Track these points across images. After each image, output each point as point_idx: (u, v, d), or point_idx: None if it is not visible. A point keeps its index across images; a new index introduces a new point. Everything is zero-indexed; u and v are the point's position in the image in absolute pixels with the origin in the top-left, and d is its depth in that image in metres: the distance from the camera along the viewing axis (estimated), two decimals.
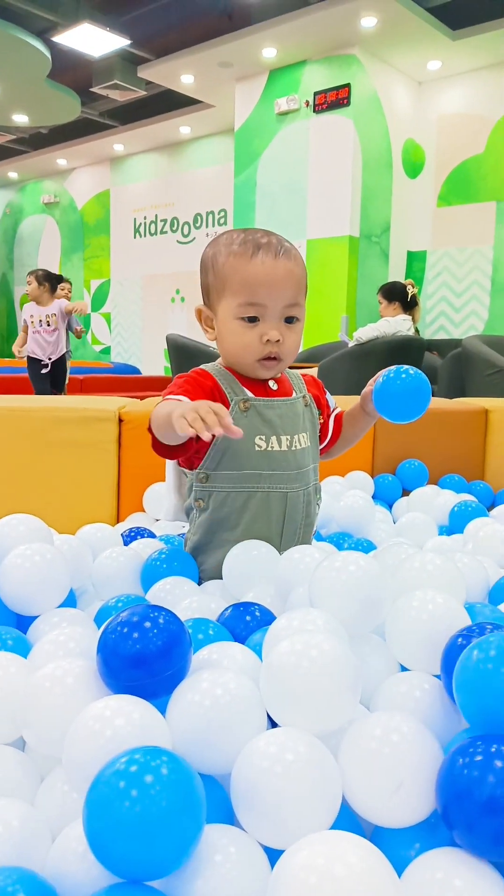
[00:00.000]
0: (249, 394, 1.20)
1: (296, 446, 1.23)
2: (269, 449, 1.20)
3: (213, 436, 1.12)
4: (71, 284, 6.13)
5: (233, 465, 1.18)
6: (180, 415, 0.97)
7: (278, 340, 1.16)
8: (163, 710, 0.75)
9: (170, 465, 1.32)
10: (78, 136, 9.64)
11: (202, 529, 1.24)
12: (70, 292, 6.01)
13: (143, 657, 0.75)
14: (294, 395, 1.26)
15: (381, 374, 1.23)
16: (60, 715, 0.73)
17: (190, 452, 1.19)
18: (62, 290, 5.70)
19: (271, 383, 1.24)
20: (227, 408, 1.17)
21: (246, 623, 0.97)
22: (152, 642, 0.75)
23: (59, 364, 5.26)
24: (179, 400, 1.12)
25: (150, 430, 1.17)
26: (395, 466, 2.15)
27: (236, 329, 1.17)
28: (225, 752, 0.70)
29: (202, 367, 1.24)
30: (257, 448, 1.19)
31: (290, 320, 1.18)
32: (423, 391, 1.19)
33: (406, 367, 1.21)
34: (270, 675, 0.73)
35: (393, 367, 1.22)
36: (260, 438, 1.19)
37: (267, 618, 0.98)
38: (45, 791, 0.74)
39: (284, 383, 1.27)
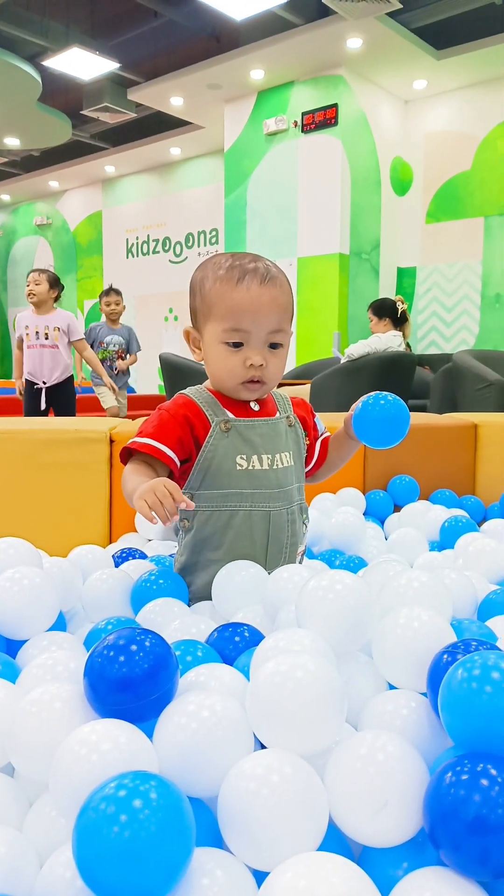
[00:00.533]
0: (230, 415, 1.22)
1: (277, 465, 1.24)
2: (251, 468, 1.21)
3: (194, 455, 1.19)
4: (120, 296, 5.21)
5: (215, 485, 1.20)
6: (140, 497, 1.04)
7: (262, 365, 1.18)
8: (151, 734, 0.75)
9: None
10: (69, 159, 9.73)
11: (188, 550, 1.25)
12: (118, 305, 5.14)
13: (130, 681, 0.75)
14: (277, 415, 1.28)
15: (360, 401, 1.26)
16: (48, 740, 0.73)
17: (175, 477, 1.21)
18: (107, 305, 5.08)
19: (253, 404, 1.26)
20: (209, 429, 1.20)
21: (234, 644, 0.97)
22: (138, 666, 0.75)
23: (63, 389, 4.37)
24: (150, 445, 1.17)
25: (123, 457, 1.21)
26: (386, 482, 2.16)
27: (221, 353, 1.19)
28: (212, 774, 0.70)
29: (186, 391, 1.26)
30: (238, 467, 1.20)
31: (274, 346, 1.20)
32: (401, 418, 1.21)
33: (384, 393, 1.23)
34: (256, 696, 0.73)
35: (372, 394, 1.24)
36: (241, 458, 1.21)
37: (256, 638, 0.99)
38: (33, 816, 0.73)
39: (268, 404, 1.29)
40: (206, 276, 1.21)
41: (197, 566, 1.24)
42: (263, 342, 1.18)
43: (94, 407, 6.32)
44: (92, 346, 4.87)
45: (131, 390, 8.51)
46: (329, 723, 0.72)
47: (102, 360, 4.96)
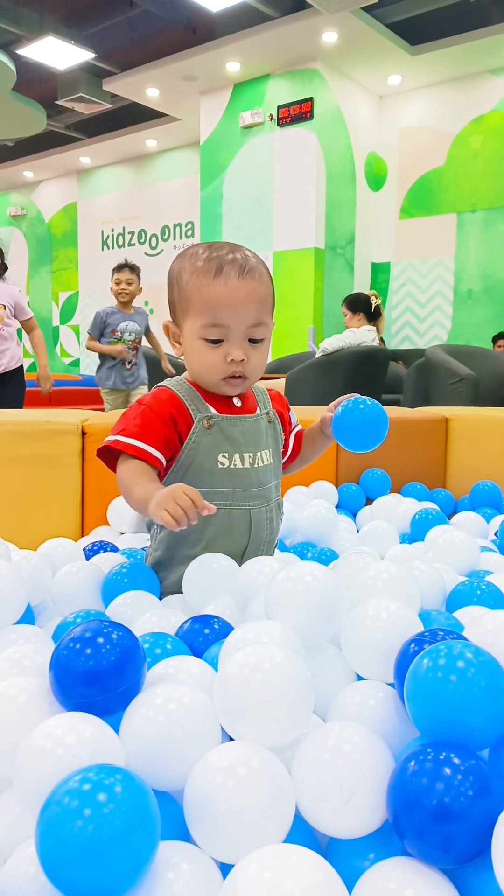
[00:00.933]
0: (213, 410, 1.20)
1: (258, 463, 1.23)
2: (232, 466, 1.20)
3: (177, 452, 1.17)
4: (136, 275, 4.38)
5: (195, 482, 1.16)
6: (159, 507, 0.99)
7: (243, 360, 1.15)
8: (117, 727, 0.74)
9: None
10: (44, 149, 9.62)
11: (164, 545, 1.24)
12: (130, 285, 4.30)
13: (96, 673, 0.74)
14: (258, 411, 1.26)
15: (339, 403, 1.24)
16: (12, 733, 0.72)
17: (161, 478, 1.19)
18: (117, 283, 4.29)
19: (235, 400, 1.23)
20: (191, 426, 1.17)
21: (204, 636, 0.97)
22: (105, 658, 0.75)
23: (13, 378, 3.61)
24: (137, 447, 1.13)
25: (101, 453, 1.18)
26: (358, 475, 2.17)
27: (200, 348, 1.16)
28: (179, 767, 0.70)
29: (165, 384, 1.23)
30: (220, 465, 1.19)
31: (254, 340, 1.16)
32: (380, 422, 1.20)
33: (363, 397, 1.22)
34: (224, 687, 0.73)
35: (351, 397, 1.23)
36: (223, 456, 1.19)
37: (225, 631, 0.98)
38: None
39: (249, 399, 1.27)
40: (183, 268, 1.17)
41: (172, 561, 1.23)
42: (243, 336, 1.15)
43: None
44: (101, 337, 4.20)
45: (90, 381, 8.46)
46: (297, 714, 0.71)
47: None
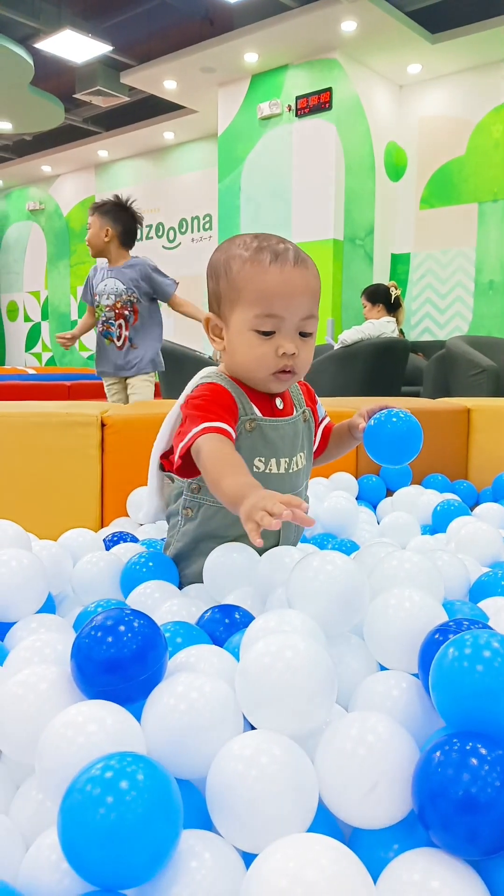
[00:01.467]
0: (257, 412, 1.16)
1: (293, 468, 1.21)
2: (267, 471, 1.17)
3: None
4: (104, 217, 3.17)
5: None
6: (250, 519, 0.88)
7: (294, 353, 1.11)
8: (139, 716, 0.74)
9: (153, 468, 1.31)
10: (62, 143, 9.64)
11: (187, 538, 1.22)
12: (90, 229, 3.19)
13: (117, 661, 0.74)
14: (295, 412, 1.23)
15: (371, 411, 1.18)
16: (34, 722, 0.72)
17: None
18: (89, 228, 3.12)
19: (278, 401, 1.20)
20: (236, 421, 1.13)
21: (225, 626, 0.96)
22: (126, 646, 0.74)
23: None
24: (224, 430, 1.06)
25: (180, 455, 1.10)
26: (378, 467, 2.15)
27: (251, 341, 1.11)
28: (201, 756, 0.69)
29: (211, 380, 1.16)
30: (255, 469, 1.15)
31: (304, 334, 1.12)
32: (414, 436, 1.13)
33: (397, 409, 1.15)
34: (245, 676, 0.72)
35: (384, 410, 1.16)
36: (259, 460, 1.16)
37: (247, 620, 0.98)
38: (19, 799, 0.73)
39: (287, 399, 1.23)
40: (232, 258, 1.12)
41: (194, 553, 1.22)
42: (295, 329, 1.11)
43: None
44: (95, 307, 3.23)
45: None
46: (319, 703, 0.71)
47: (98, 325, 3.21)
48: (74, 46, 6.56)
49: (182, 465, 1.12)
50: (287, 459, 1.19)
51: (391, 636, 0.83)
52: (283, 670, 0.70)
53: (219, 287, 1.15)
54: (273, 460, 1.17)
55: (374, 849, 0.66)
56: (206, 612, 0.99)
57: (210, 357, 4.26)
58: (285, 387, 1.18)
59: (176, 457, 1.13)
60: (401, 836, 0.66)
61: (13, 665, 0.86)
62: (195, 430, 1.07)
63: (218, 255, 1.17)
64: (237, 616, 0.98)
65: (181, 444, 1.10)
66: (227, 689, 0.74)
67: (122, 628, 0.76)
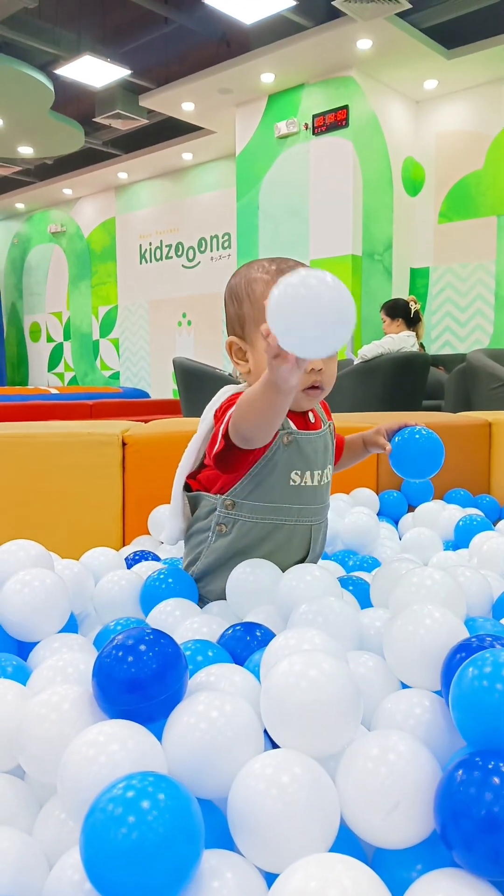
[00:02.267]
0: (293, 426, 1.19)
1: (324, 481, 1.24)
2: (302, 484, 1.20)
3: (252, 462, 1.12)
4: None
5: (263, 497, 1.17)
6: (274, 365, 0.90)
7: (321, 369, 1.14)
8: (160, 735, 0.74)
9: (177, 489, 1.31)
10: (82, 166, 9.77)
11: (216, 554, 1.23)
12: None
13: (138, 681, 0.74)
14: (323, 426, 1.26)
15: (391, 429, 1.25)
16: (56, 741, 0.73)
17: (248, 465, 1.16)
18: None
19: (310, 415, 1.23)
20: (273, 440, 1.14)
21: (246, 644, 0.97)
22: (147, 666, 0.75)
23: None
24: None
25: (226, 436, 1.10)
26: (399, 482, 2.14)
27: None
28: (222, 775, 0.69)
29: (241, 391, 1.18)
30: (291, 483, 1.18)
31: None
32: (437, 451, 1.21)
33: (419, 427, 1.23)
34: (269, 695, 0.72)
35: (407, 427, 1.24)
36: (295, 473, 1.19)
37: (268, 638, 0.98)
38: (42, 819, 0.73)
39: (315, 414, 1.26)
40: (253, 281, 1.16)
41: (223, 570, 1.22)
42: None
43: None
44: None
45: (145, 394, 8.57)
46: (344, 723, 0.71)
47: None
48: (93, 71, 6.67)
49: (224, 448, 1.11)
50: (319, 472, 1.22)
51: (412, 654, 0.82)
52: (307, 689, 0.70)
53: (242, 311, 1.18)
54: (308, 473, 1.20)
55: (396, 869, 0.65)
56: (228, 629, 0.99)
57: (230, 374, 4.28)
58: (315, 402, 1.21)
59: (218, 440, 1.12)
60: (424, 856, 0.65)
61: (36, 684, 0.86)
62: (231, 411, 1.07)
63: (238, 280, 1.20)
64: (258, 634, 0.98)
65: (222, 426, 1.11)
66: (247, 708, 0.74)
67: (142, 648, 0.76)
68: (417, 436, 1.22)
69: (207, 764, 0.70)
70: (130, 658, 0.75)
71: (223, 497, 1.20)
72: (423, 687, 0.82)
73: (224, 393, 1.23)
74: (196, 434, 1.28)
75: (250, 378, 1.21)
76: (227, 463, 1.15)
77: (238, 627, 0.99)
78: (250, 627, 0.99)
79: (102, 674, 0.76)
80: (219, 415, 1.16)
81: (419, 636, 0.82)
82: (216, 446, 1.14)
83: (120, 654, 0.76)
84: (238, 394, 1.18)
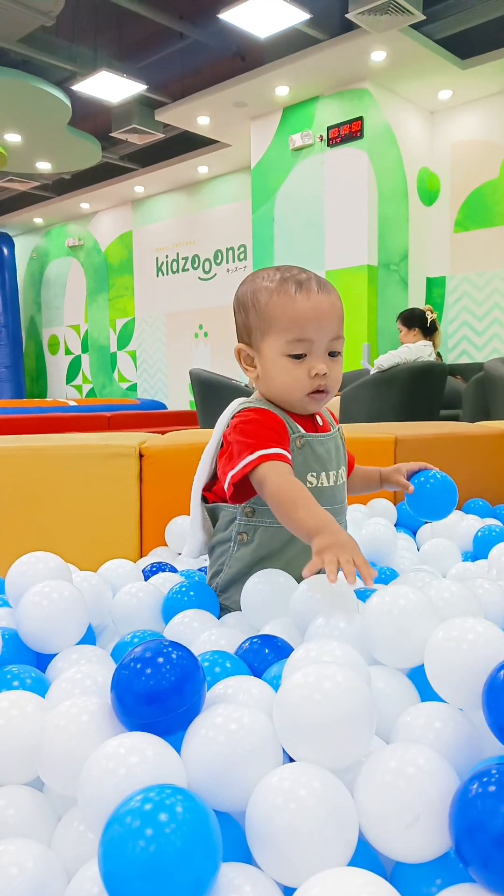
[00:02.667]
0: (302, 429, 1.21)
1: (339, 481, 1.25)
2: (320, 485, 1.20)
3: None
4: None
5: None
6: (328, 552, 0.94)
7: (325, 373, 1.17)
8: (179, 747, 0.74)
9: (195, 502, 1.32)
10: (99, 181, 9.87)
11: (241, 563, 1.23)
12: None
13: (157, 693, 0.74)
14: (332, 429, 1.28)
15: (411, 470, 1.33)
16: (75, 753, 0.73)
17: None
18: None
19: (317, 418, 1.25)
20: (289, 443, 1.16)
21: (264, 656, 0.96)
22: (165, 678, 0.75)
23: None
24: (282, 456, 1.10)
25: (232, 482, 1.13)
26: None
27: (285, 366, 1.17)
28: (241, 788, 0.69)
29: (256, 405, 1.21)
30: (309, 485, 1.19)
31: (333, 354, 1.19)
32: (450, 493, 1.32)
33: (433, 471, 1.33)
34: (283, 707, 0.72)
35: (424, 472, 1.33)
36: (312, 475, 1.20)
37: (286, 650, 0.98)
38: (61, 831, 0.73)
39: (323, 418, 1.28)
40: (258, 291, 1.19)
41: (247, 578, 1.20)
42: (325, 350, 1.17)
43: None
44: None
45: (162, 406, 8.60)
46: (358, 736, 0.70)
47: None
48: (110, 87, 6.75)
49: (234, 492, 1.15)
50: (335, 472, 1.24)
51: (454, 670, 0.79)
52: (321, 702, 0.70)
53: (248, 319, 1.21)
54: (324, 474, 1.21)
55: (416, 883, 0.64)
56: (245, 641, 0.99)
57: (246, 385, 4.29)
58: (321, 406, 1.24)
59: (226, 485, 1.15)
60: (444, 870, 0.65)
61: (55, 696, 0.87)
62: (251, 457, 1.10)
63: (244, 290, 1.23)
64: (278, 646, 0.98)
65: (233, 472, 1.12)
66: (265, 721, 0.73)
67: (160, 660, 0.76)
68: (433, 480, 1.31)
69: (226, 776, 0.69)
70: (149, 670, 0.75)
71: (243, 505, 1.21)
72: (463, 705, 0.80)
73: (237, 405, 1.24)
74: (208, 447, 1.29)
75: (259, 383, 1.23)
76: (238, 498, 1.17)
77: (256, 640, 0.99)
78: (268, 640, 0.99)
79: (121, 686, 0.76)
80: (234, 431, 1.17)
81: (462, 652, 0.79)
82: (227, 489, 1.16)
83: (138, 666, 0.76)
84: (248, 411, 1.19)
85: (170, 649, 0.78)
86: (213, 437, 1.28)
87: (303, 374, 1.16)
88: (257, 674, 0.94)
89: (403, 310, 4.78)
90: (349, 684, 0.72)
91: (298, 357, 1.16)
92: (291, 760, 0.74)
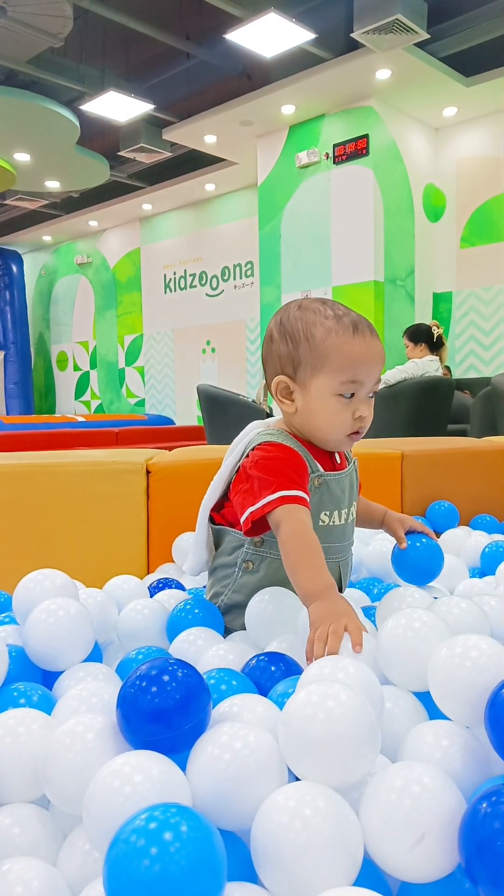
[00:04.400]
0: (321, 468, 1.19)
1: (350, 518, 1.25)
2: (331, 524, 1.20)
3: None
4: None
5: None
6: (323, 623, 0.92)
7: (365, 416, 1.17)
8: (184, 765, 0.74)
9: (203, 521, 1.31)
10: (108, 199, 9.96)
11: (247, 590, 1.21)
12: None
13: (162, 712, 0.74)
14: (348, 465, 1.27)
15: (414, 529, 1.31)
16: (81, 771, 0.73)
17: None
18: None
19: (336, 456, 1.24)
20: (307, 484, 1.15)
21: (270, 674, 0.96)
22: (171, 696, 0.75)
23: None
24: (301, 499, 1.08)
25: (251, 518, 1.11)
26: (424, 508, 2.13)
27: (334, 406, 1.15)
28: (245, 807, 0.69)
29: (278, 440, 1.18)
30: (321, 523, 1.19)
31: (371, 396, 1.19)
32: (435, 559, 1.29)
33: (421, 536, 1.30)
34: (287, 726, 0.72)
35: (415, 535, 1.31)
36: (325, 514, 1.19)
37: (293, 668, 0.97)
38: (66, 850, 0.73)
39: (341, 454, 1.27)
40: (313, 324, 1.16)
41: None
42: (368, 393, 1.18)
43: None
44: None
45: (170, 421, 8.62)
46: (361, 755, 0.70)
47: None
48: (118, 107, 6.82)
49: (251, 527, 1.12)
50: (346, 510, 1.23)
51: (458, 687, 0.80)
52: (324, 721, 0.70)
53: (297, 352, 1.17)
54: (336, 512, 1.21)
55: None
56: (252, 659, 0.99)
57: (253, 401, 4.30)
58: (352, 446, 1.23)
59: (243, 519, 1.12)
60: (450, 889, 0.64)
61: (61, 714, 0.87)
62: (271, 497, 1.08)
63: (293, 321, 1.19)
64: (283, 665, 0.98)
65: (252, 508, 1.09)
66: (270, 740, 0.73)
67: (166, 678, 0.76)
68: (423, 542, 1.28)
69: (230, 795, 0.69)
70: (154, 688, 0.75)
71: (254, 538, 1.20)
72: (465, 722, 0.80)
73: (260, 435, 1.21)
74: (221, 471, 1.27)
75: (294, 417, 1.20)
76: (252, 531, 1.15)
77: (263, 657, 0.99)
78: (275, 657, 0.99)
79: (126, 704, 0.76)
80: (255, 466, 1.13)
81: (465, 669, 0.79)
82: (243, 524, 1.12)
83: (143, 684, 0.76)
84: (271, 446, 1.16)
85: (175, 667, 0.78)
86: (226, 460, 1.26)
87: (348, 414, 1.16)
88: (263, 691, 0.93)
89: (409, 325, 4.79)
90: (352, 703, 0.71)
91: (348, 397, 1.15)
92: (297, 779, 0.73)
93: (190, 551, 1.33)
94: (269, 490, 1.08)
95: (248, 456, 1.18)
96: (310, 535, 1.05)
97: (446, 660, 0.82)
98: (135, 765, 0.69)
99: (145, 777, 0.67)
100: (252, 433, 1.25)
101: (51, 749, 0.76)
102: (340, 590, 1.25)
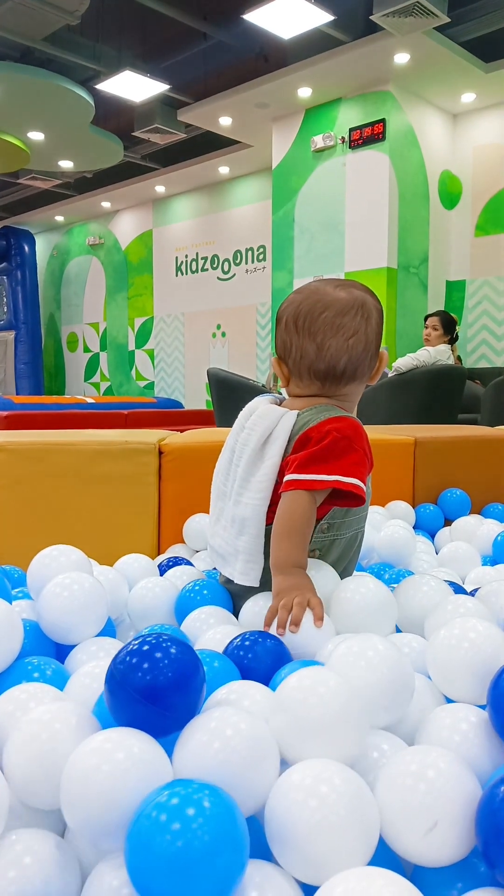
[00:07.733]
0: None
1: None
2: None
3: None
4: None
5: (354, 511, 1.20)
6: (279, 596, 1.00)
7: None
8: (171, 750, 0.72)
9: (256, 524, 1.16)
10: (121, 180, 9.91)
11: None
12: None
13: (152, 690, 0.71)
14: None
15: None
16: (50, 760, 0.70)
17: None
18: None
19: None
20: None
21: (255, 654, 0.92)
22: (162, 674, 0.71)
23: None
24: (357, 487, 1.07)
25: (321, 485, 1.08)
26: (436, 496, 2.12)
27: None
28: (234, 794, 0.66)
29: (348, 416, 1.16)
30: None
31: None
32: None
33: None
34: (279, 710, 0.72)
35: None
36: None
37: (278, 648, 0.94)
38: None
39: None
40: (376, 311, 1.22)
41: None
42: None
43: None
44: None
45: (179, 405, 8.60)
46: (350, 740, 0.70)
47: None
48: (133, 87, 6.77)
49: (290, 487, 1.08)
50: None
51: (458, 668, 0.80)
52: (315, 705, 0.70)
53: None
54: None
55: (436, 887, 0.64)
56: (236, 638, 0.95)
57: (263, 385, 4.28)
58: None
59: (296, 477, 1.07)
60: (464, 874, 0.64)
61: (73, 689, 0.87)
62: (350, 480, 1.07)
63: (369, 309, 1.21)
64: (267, 645, 0.93)
65: (322, 477, 1.06)
66: (262, 727, 0.71)
67: (158, 654, 0.73)
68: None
69: (218, 782, 0.67)
70: (146, 665, 0.72)
71: (319, 522, 1.16)
72: (468, 701, 0.80)
73: (258, 404, 1.23)
74: (264, 472, 1.16)
75: (346, 402, 1.25)
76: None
77: (247, 639, 0.94)
78: (258, 638, 0.94)
79: (114, 681, 0.72)
80: (338, 433, 1.10)
81: (463, 650, 0.81)
82: (290, 483, 1.08)
83: (133, 660, 0.73)
84: (352, 421, 1.16)
85: (168, 644, 0.74)
86: (267, 457, 1.16)
87: None
88: (246, 673, 0.90)
89: (441, 312, 4.74)
90: (342, 689, 0.72)
91: None
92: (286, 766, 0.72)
93: (237, 560, 1.18)
94: (341, 471, 1.07)
95: (319, 424, 1.13)
96: (311, 520, 1.08)
97: (444, 640, 0.83)
98: (117, 741, 0.66)
99: (127, 754, 0.65)
100: (279, 414, 1.18)
101: (17, 738, 0.74)
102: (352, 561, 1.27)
